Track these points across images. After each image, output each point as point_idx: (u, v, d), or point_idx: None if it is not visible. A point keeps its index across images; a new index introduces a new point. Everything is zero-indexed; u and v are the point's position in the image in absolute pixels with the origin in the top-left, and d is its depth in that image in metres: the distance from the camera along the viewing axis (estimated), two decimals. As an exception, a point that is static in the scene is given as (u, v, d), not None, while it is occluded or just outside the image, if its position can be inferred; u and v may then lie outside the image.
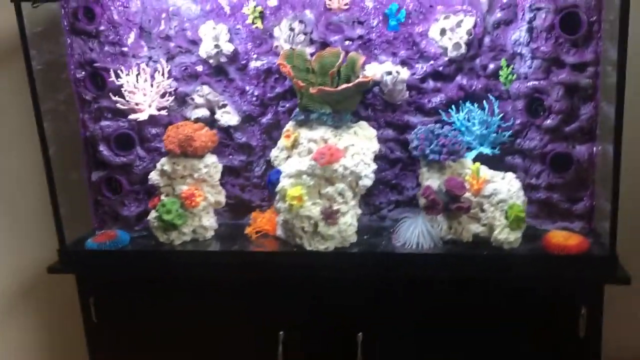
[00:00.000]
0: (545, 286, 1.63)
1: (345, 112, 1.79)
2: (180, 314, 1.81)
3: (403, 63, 1.84)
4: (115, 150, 1.93)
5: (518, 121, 1.76)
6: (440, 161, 1.69)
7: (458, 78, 1.82)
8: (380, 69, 1.81)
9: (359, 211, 1.78)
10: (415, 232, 1.72)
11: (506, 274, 1.62)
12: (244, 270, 1.75)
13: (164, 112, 1.91)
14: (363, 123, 1.84)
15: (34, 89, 1.77)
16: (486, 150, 1.78)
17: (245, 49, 1.90)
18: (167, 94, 1.93)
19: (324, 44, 1.86)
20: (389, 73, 1.79)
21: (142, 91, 1.88)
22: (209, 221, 1.88)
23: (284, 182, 1.74)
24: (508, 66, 1.75)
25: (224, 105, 1.94)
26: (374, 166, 1.74)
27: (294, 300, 1.75)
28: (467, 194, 1.67)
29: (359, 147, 1.75)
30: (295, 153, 1.79)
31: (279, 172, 1.77)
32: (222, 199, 1.91)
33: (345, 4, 1.80)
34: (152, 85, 1.88)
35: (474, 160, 1.77)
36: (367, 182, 1.72)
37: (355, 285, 1.72)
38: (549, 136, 1.72)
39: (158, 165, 1.85)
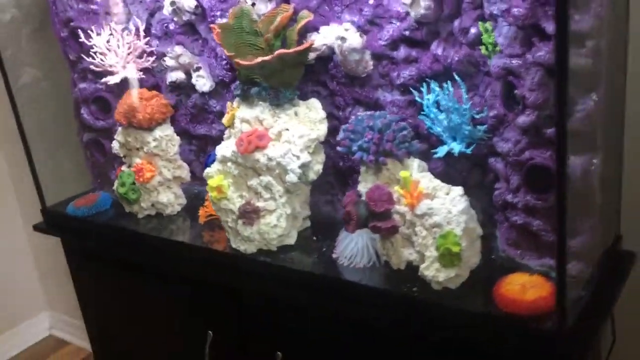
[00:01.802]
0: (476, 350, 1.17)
1: (286, 88, 1.45)
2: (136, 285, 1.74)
3: (371, 24, 1.42)
4: (97, 113, 1.87)
5: (493, 112, 1.25)
6: (367, 162, 1.29)
7: (433, 46, 1.35)
8: (331, 33, 1.42)
9: (295, 210, 1.47)
10: (351, 244, 1.37)
11: (421, 323, 1.20)
12: (169, 258, 1.60)
13: (142, 75, 1.78)
14: (312, 102, 1.48)
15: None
16: (457, 147, 1.31)
17: (210, 4, 1.65)
18: (145, 55, 1.78)
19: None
20: (340, 39, 1.39)
21: (115, 52, 1.76)
22: (168, 197, 1.74)
23: (211, 168, 1.50)
24: (488, 31, 1.23)
25: (199, 68, 1.73)
26: (305, 158, 1.40)
27: (217, 300, 1.55)
28: (404, 208, 1.25)
29: (294, 132, 1.42)
30: (232, 134, 1.52)
31: (214, 155, 1.54)
32: (183, 174, 1.75)
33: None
34: (123, 46, 1.75)
35: (445, 158, 1.33)
36: (292, 177, 1.40)
37: (270, 300, 1.45)
38: (526, 139, 1.18)
39: (116, 135, 1.75)
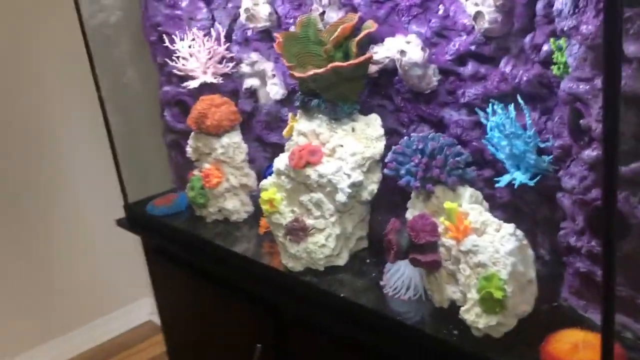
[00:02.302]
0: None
1: (344, 101, 1.38)
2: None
3: (439, 36, 1.31)
4: (178, 116, 1.91)
5: (559, 142, 1.09)
6: (413, 187, 1.18)
7: (502, 63, 1.21)
8: (394, 46, 1.32)
9: (347, 230, 1.39)
10: (397, 274, 1.28)
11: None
12: (225, 265, 1.58)
13: (221, 80, 1.79)
14: (372, 117, 1.40)
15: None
16: (520, 177, 1.17)
17: (284, 11, 1.61)
18: (225, 60, 1.79)
19: (354, 8, 1.44)
20: (400, 52, 1.29)
21: (196, 57, 1.78)
22: (234, 204, 1.73)
23: (266, 180, 1.47)
24: (560, 49, 1.08)
25: (273, 76, 1.71)
26: (356, 178, 1.32)
27: (264, 314, 1.51)
28: (451, 242, 1.13)
29: (348, 149, 1.35)
30: (290, 146, 1.48)
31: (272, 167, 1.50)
32: (250, 181, 1.73)
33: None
34: (204, 52, 1.77)
35: (512, 188, 1.19)
36: (341, 197, 1.32)
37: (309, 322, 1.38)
38: (593, 176, 1.02)
39: (189, 140, 1.77)
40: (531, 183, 1.14)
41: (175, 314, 1.95)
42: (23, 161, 2.71)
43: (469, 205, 1.13)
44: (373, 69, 1.38)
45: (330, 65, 1.28)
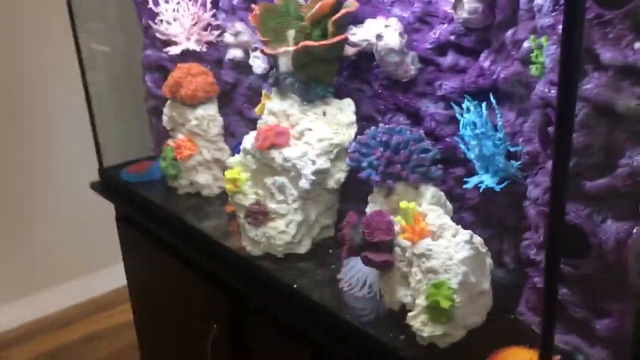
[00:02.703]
0: None
1: (316, 83, 1.31)
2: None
3: (422, 22, 1.23)
4: (159, 81, 1.85)
5: (528, 148, 1.02)
6: (373, 182, 1.12)
7: (482, 57, 1.14)
8: (373, 28, 1.25)
9: (310, 218, 1.34)
10: (352, 270, 1.22)
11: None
12: (187, 241, 1.53)
13: (205, 48, 1.72)
14: (345, 102, 1.33)
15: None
16: (488, 181, 1.10)
17: (270, -19, 1.53)
18: (210, 28, 1.72)
19: (339, -17, 1.36)
20: (377, 36, 1.22)
21: (180, 22, 1.71)
22: (206, 179, 1.67)
23: (233, 158, 1.41)
24: (540, 48, 1.00)
25: (256, 49, 1.63)
26: (322, 165, 1.26)
27: (223, 295, 1.46)
28: (407, 243, 1.07)
29: (317, 134, 1.28)
30: (260, 124, 1.41)
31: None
32: (224, 156, 1.67)
33: None
34: (189, 17, 1.70)
35: (484, 191, 1.13)
36: (304, 184, 1.26)
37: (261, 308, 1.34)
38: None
39: (164, 108, 1.71)
40: (497, 188, 1.08)
41: (141, 283, 1.91)
42: (4, 120, 2.67)
43: (429, 206, 1.07)
44: (351, 51, 1.30)
45: (301, 43, 1.21)
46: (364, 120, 1.37)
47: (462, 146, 1.14)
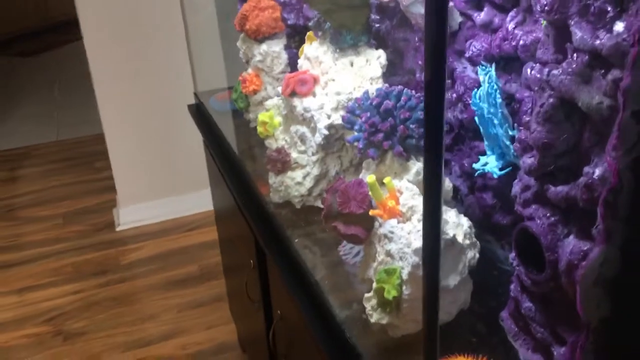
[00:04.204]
0: None
1: (346, 30, 1.21)
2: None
3: (463, -31, 1.07)
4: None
5: (520, 135, 0.85)
6: (357, 149, 1.02)
7: (509, 16, 0.96)
8: (406, -26, 1.11)
9: (330, 174, 1.28)
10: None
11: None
12: (237, 173, 1.55)
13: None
14: (375, 54, 1.22)
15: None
16: (491, 164, 0.96)
17: None
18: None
19: None
20: (405, -17, 1.08)
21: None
22: (269, 115, 1.67)
23: (271, 100, 1.39)
24: (550, 15, 0.81)
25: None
26: (336, 120, 1.19)
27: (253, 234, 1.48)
28: (379, 219, 0.98)
29: (337, 86, 1.20)
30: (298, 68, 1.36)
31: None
32: (286, 96, 1.64)
33: None
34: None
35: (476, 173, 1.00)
36: (317, 138, 1.21)
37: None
38: (536, 188, 0.79)
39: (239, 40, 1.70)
40: (495, 175, 0.93)
41: (218, 208, 2.00)
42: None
43: (407, 183, 0.96)
44: (389, -3, 1.18)
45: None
46: (404, 75, 1.25)
47: (477, 119, 1.00)
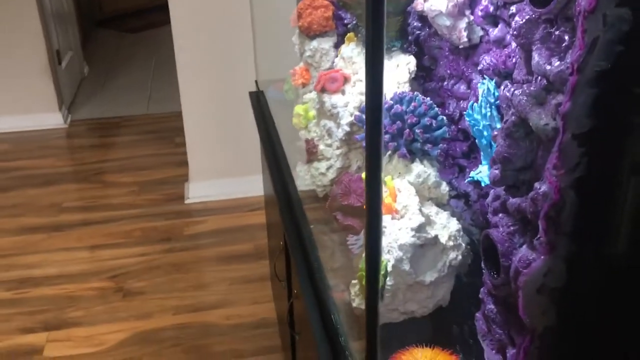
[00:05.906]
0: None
1: (379, 35, 1.28)
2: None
3: (489, -15, 1.12)
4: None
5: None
6: (363, 147, 1.10)
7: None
8: (435, -14, 1.17)
9: (352, 167, 1.36)
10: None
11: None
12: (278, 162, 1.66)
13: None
14: (405, 60, 1.28)
15: None
16: (484, 174, 1.02)
17: None
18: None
19: None
20: (430, -5, 1.15)
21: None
22: (316, 108, 1.76)
23: (308, 95, 1.48)
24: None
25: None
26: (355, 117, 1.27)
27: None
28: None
29: (362, 87, 1.28)
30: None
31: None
32: (333, 91, 1.73)
33: None
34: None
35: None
36: (339, 133, 1.29)
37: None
38: (497, 202, 0.84)
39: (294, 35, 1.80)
40: (483, 184, 0.99)
41: (266, 192, 2.12)
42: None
43: (405, 184, 1.03)
44: (420, 6, 1.24)
45: (352, -7, 1.20)
46: (437, 81, 1.31)
47: (474, 131, 1.05)
